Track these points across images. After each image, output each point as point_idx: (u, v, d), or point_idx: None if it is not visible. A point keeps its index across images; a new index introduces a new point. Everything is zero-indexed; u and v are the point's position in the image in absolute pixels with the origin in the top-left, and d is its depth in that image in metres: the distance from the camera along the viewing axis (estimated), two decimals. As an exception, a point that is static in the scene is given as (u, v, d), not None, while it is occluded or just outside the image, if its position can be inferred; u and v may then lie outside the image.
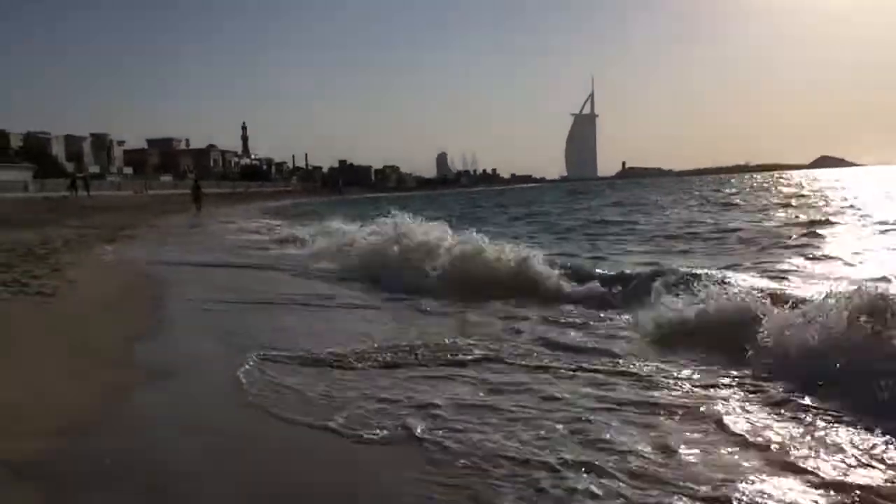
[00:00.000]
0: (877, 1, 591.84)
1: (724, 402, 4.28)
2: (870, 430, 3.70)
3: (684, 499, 3.03)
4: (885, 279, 7.78)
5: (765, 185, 68.57)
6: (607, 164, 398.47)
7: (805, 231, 16.37)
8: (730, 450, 3.55)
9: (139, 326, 6.82)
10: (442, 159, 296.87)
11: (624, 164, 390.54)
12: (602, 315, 7.23)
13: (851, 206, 25.34)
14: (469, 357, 5.47)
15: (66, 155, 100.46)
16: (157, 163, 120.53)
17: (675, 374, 4.91)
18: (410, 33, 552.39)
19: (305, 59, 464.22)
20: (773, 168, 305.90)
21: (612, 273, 9.22)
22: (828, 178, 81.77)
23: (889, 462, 3.36)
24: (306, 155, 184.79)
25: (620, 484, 3.17)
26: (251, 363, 5.24)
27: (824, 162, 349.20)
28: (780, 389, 4.44)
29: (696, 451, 3.53)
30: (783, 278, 9.03)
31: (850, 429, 3.76)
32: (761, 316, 5.48)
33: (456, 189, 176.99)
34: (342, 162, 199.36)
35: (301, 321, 7.40)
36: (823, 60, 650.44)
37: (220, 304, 8.33)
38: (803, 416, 4.00)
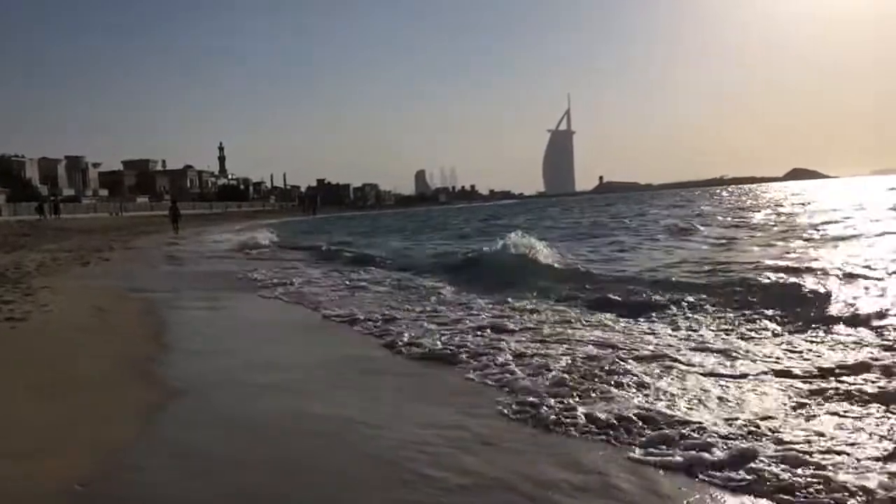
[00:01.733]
0: (854, 14, 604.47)
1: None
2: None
3: None
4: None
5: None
6: (585, 180, 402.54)
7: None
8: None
9: (112, 351, 6.73)
10: (421, 176, 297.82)
11: (601, 178, 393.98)
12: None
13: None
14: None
15: (40, 178, 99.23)
16: (132, 184, 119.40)
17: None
18: (388, 53, 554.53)
19: (283, 78, 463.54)
20: (748, 181, 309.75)
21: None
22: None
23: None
24: (284, 174, 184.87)
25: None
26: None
27: (797, 174, 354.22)
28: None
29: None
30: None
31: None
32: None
33: (436, 206, 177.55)
34: (320, 181, 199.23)
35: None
36: (798, 74, 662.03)
37: (198, 328, 8.23)
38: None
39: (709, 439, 3.74)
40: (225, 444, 4.12)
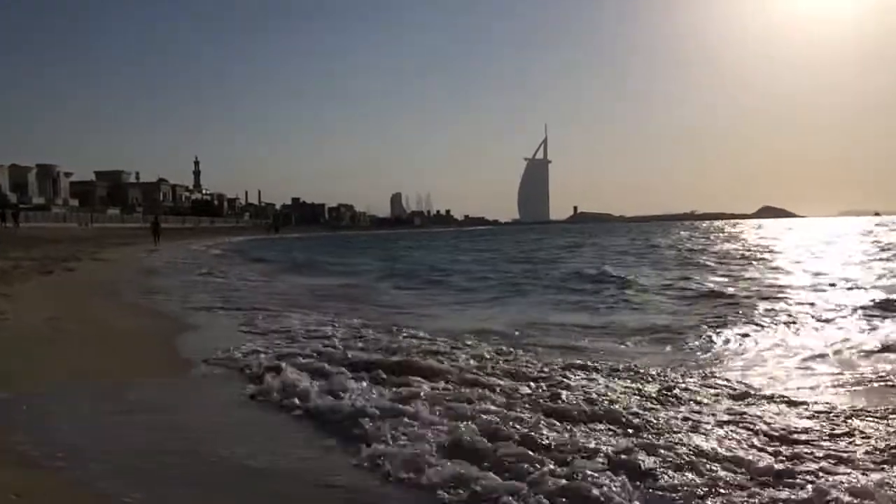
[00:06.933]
0: (823, 63, 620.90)
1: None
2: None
3: None
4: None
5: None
6: (559, 209, 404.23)
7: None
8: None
9: (62, 363, 6.69)
10: (396, 199, 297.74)
11: (576, 208, 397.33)
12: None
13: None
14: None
15: (10, 185, 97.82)
16: (104, 195, 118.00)
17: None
18: (367, 75, 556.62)
19: (260, 95, 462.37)
20: (718, 217, 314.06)
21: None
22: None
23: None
24: (259, 192, 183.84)
25: None
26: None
27: (768, 212, 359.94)
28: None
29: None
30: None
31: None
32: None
33: (412, 229, 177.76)
34: (295, 199, 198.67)
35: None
36: (771, 112, 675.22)
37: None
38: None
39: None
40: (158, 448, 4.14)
